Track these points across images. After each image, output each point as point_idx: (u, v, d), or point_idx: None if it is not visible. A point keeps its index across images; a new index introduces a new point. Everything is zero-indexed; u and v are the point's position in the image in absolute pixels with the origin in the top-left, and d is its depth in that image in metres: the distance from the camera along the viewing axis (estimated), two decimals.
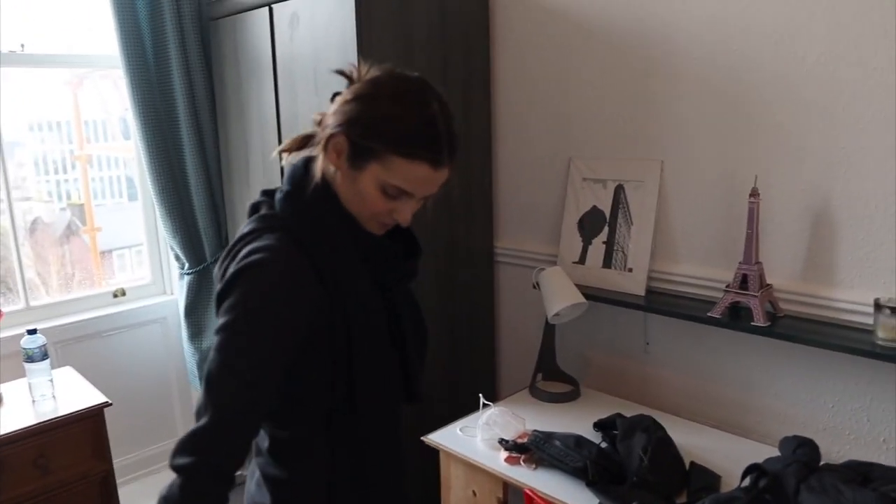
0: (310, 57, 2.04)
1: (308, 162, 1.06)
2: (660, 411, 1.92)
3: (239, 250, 1.00)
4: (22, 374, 2.16)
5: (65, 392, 2.19)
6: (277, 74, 2.18)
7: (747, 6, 1.71)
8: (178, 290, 2.73)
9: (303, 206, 1.02)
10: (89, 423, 2.09)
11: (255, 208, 1.10)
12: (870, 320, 1.56)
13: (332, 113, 1.01)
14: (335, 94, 1.05)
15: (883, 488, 1.29)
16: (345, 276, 1.01)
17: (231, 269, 0.97)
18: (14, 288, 2.53)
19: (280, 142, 2.21)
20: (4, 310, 2.38)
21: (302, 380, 1.01)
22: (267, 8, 2.18)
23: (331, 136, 0.99)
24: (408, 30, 1.98)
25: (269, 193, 1.10)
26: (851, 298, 1.64)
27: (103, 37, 2.56)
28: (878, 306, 1.53)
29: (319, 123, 1.04)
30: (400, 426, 1.18)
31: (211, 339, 2.61)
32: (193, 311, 2.66)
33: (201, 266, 2.61)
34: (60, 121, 2.75)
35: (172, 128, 2.51)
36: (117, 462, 2.23)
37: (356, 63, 1.05)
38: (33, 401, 2.12)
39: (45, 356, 2.14)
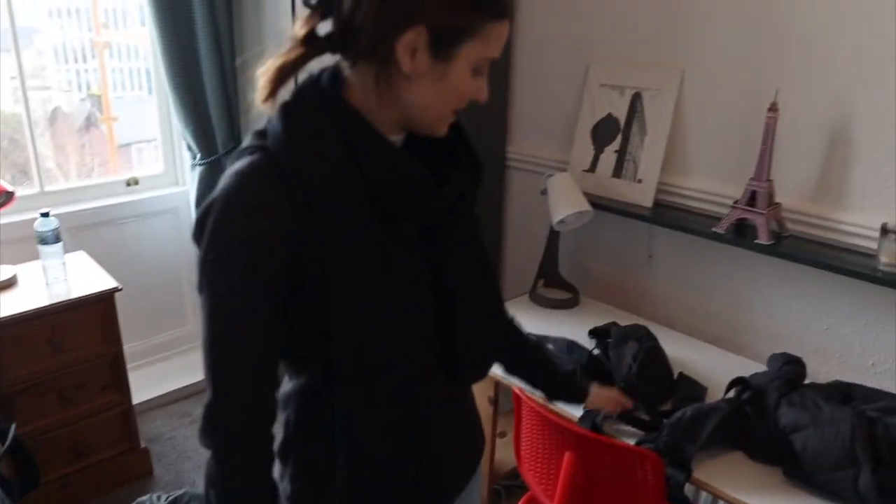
0: None
1: (323, 75, 0.86)
2: (656, 323, 1.94)
3: (234, 162, 0.85)
4: (36, 257, 2.22)
5: (77, 276, 2.24)
6: None
7: None
8: (189, 181, 2.75)
9: (296, 120, 0.83)
10: (100, 306, 2.15)
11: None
12: (874, 245, 1.55)
13: (360, 8, 0.79)
14: None
15: (861, 406, 1.31)
16: (328, 208, 0.81)
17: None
18: (29, 173, 2.56)
19: None
20: (19, 193, 2.41)
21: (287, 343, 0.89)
22: None
23: (397, 36, 0.78)
24: None
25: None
26: (859, 222, 1.62)
27: None
28: (884, 231, 1.51)
29: (306, 40, 0.84)
30: (429, 412, 0.94)
31: None
32: (203, 201, 2.67)
33: (213, 157, 2.62)
34: (80, 7, 2.70)
35: (187, 13, 2.45)
36: (128, 347, 2.30)
37: None
38: (47, 283, 2.18)
39: (57, 239, 2.18)
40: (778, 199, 1.71)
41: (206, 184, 2.65)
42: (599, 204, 2.00)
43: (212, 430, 0.85)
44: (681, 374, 1.63)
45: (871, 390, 1.44)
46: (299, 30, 0.84)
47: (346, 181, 0.82)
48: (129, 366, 2.28)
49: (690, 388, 1.57)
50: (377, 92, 0.83)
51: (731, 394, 1.47)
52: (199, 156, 2.62)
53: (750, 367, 1.63)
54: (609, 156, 2.03)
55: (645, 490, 1.35)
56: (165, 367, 2.89)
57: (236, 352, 0.83)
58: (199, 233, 0.83)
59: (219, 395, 0.84)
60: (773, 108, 1.62)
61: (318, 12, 0.83)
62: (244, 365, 0.83)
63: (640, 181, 1.96)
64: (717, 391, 1.56)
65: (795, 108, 1.67)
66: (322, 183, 0.81)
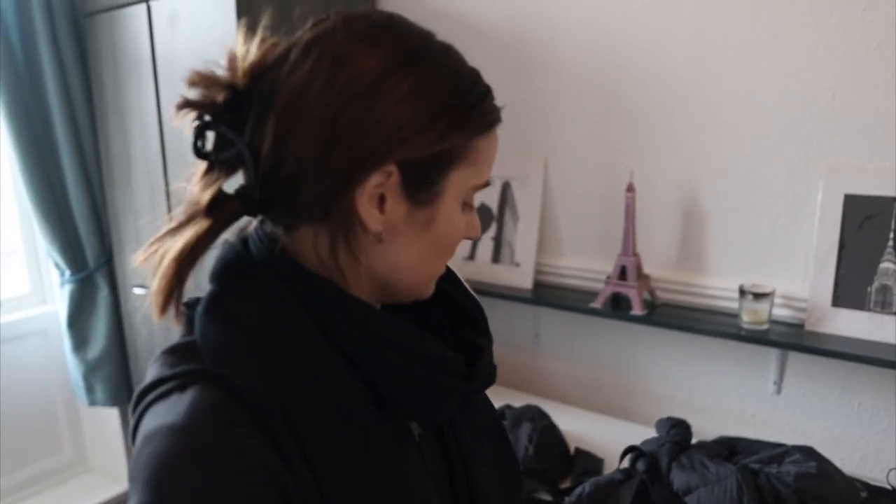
0: (191, 57, 1.99)
1: (250, 244, 0.63)
2: (549, 400, 1.99)
3: (140, 417, 0.56)
4: None
5: None
6: (158, 75, 2.11)
7: (619, 9, 1.78)
8: (59, 300, 2.61)
9: (247, 316, 0.57)
10: None
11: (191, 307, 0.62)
12: (736, 305, 1.67)
13: (288, 151, 0.56)
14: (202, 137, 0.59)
15: (745, 460, 1.39)
16: (327, 440, 0.55)
17: (133, 470, 0.52)
18: None
19: (163, 146, 2.14)
20: None
21: None
22: (144, 5, 2.11)
23: (356, 185, 0.57)
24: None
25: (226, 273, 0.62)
26: (720, 285, 1.74)
27: None
28: (742, 292, 1.64)
29: (211, 206, 0.58)
30: None
31: (98, 349, 2.53)
32: (77, 320, 2.54)
33: (83, 273, 2.50)
34: None
35: (46, 130, 2.38)
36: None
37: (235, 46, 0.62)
38: None
39: None
40: (646, 271, 1.82)
41: (77, 301, 2.52)
42: (482, 290, 2.05)
43: None
44: (577, 448, 1.66)
45: (753, 442, 1.52)
46: (199, 193, 0.58)
47: (344, 390, 0.58)
48: (4, 501, 2.07)
49: (587, 462, 1.60)
50: (336, 263, 0.60)
51: (626, 462, 1.51)
52: (68, 273, 2.50)
53: (642, 433, 1.69)
54: (486, 243, 2.11)
55: None
56: (40, 502, 2.65)
57: None
58: None
59: None
60: (630, 188, 1.75)
61: (224, 167, 0.59)
62: None
63: (518, 265, 2.04)
64: (612, 460, 1.60)
65: (650, 186, 1.80)
66: (313, 403, 0.55)
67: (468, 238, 0.68)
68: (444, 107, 0.58)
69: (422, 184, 0.59)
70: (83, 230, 2.47)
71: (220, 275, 0.61)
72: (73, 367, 2.60)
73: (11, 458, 2.57)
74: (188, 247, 0.57)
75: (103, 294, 2.53)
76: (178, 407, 0.52)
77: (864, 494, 1.36)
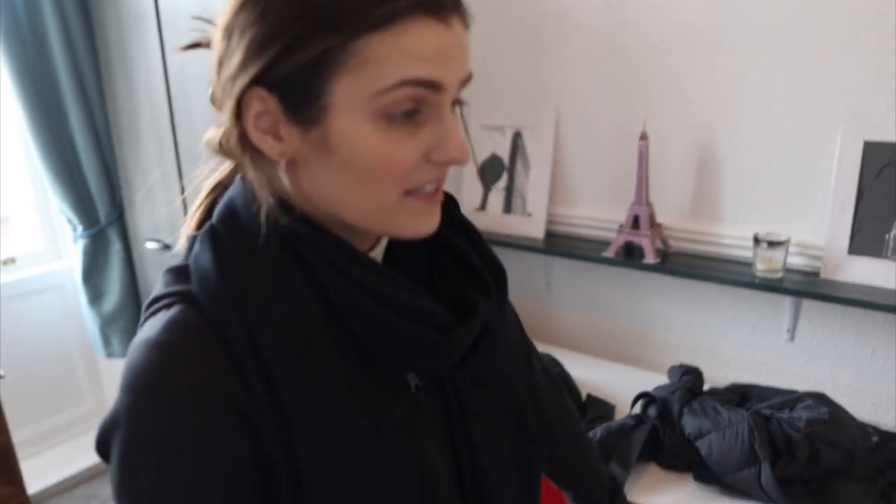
0: (195, 9, 1.95)
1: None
2: (562, 348, 2.00)
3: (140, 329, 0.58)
4: None
5: None
6: (162, 29, 2.08)
7: None
8: (73, 255, 2.63)
9: (234, 245, 0.58)
10: None
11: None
12: (750, 254, 1.66)
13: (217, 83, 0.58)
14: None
15: (756, 406, 1.40)
16: (295, 377, 0.55)
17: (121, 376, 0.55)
18: None
19: (170, 101, 2.12)
20: None
21: None
22: None
23: (239, 111, 0.56)
24: None
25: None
26: (734, 234, 1.73)
27: None
28: (756, 240, 1.62)
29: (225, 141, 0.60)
30: None
31: (113, 302, 2.56)
32: (91, 275, 2.56)
33: (96, 229, 2.51)
34: None
35: (53, 87, 2.36)
36: (20, 435, 2.15)
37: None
38: None
39: None
40: (659, 220, 1.80)
41: (91, 258, 2.54)
42: (493, 240, 2.04)
43: None
44: (588, 395, 1.68)
45: (765, 389, 1.53)
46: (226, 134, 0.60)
47: (317, 330, 0.57)
48: (21, 454, 2.12)
49: (599, 408, 1.62)
50: (299, 195, 0.60)
51: (637, 408, 1.53)
52: (80, 228, 2.51)
53: (654, 380, 1.70)
54: (498, 193, 2.10)
55: None
56: (64, 451, 2.71)
57: None
58: (104, 453, 0.55)
59: None
60: (644, 136, 1.72)
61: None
62: None
63: (530, 215, 2.03)
64: (624, 407, 1.61)
65: (664, 134, 1.78)
66: (282, 339, 0.55)
67: (433, 180, 0.60)
68: (296, 10, 0.51)
69: (301, 101, 0.54)
70: (93, 186, 2.48)
71: (222, 205, 0.62)
72: (89, 321, 2.64)
73: (34, 409, 2.63)
74: (220, 178, 0.67)
75: (116, 248, 2.54)
76: (160, 324, 0.55)
77: (875, 439, 1.37)
